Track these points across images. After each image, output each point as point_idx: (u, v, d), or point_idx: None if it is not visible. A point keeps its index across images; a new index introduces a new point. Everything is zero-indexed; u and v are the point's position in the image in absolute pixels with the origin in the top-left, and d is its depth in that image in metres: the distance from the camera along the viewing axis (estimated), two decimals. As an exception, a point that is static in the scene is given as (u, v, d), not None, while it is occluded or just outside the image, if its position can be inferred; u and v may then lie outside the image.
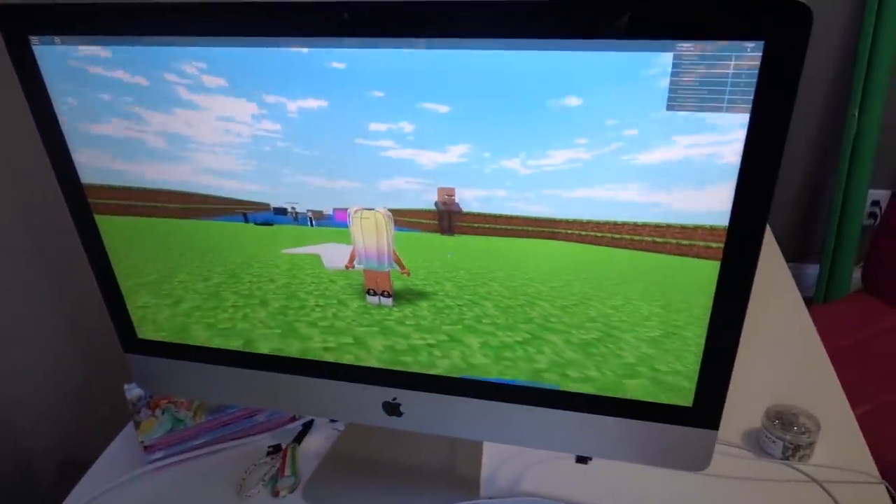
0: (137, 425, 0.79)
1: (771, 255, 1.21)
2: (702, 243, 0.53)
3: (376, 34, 0.51)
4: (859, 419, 0.81)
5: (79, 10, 0.55)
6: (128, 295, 0.70)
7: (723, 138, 0.48)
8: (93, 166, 0.63)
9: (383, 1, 0.50)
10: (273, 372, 0.70)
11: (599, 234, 0.55)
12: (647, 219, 0.54)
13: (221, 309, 0.67)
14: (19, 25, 0.57)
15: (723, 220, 0.52)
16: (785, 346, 0.96)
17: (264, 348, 0.68)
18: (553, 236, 0.56)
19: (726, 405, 0.84)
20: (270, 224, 0.62)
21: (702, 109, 0.48)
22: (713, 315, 0.56)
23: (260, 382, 0.71)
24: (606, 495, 0.73)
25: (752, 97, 0.46)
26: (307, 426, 0.85)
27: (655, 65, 0.47)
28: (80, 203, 0.66)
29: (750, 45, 0.45)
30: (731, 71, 0.46)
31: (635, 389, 0.61)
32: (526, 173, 0.54)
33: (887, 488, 0.72)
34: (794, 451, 0.75)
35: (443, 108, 0.53)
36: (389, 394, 0.68)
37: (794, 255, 2.41)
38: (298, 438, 0.83)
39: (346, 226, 0.60)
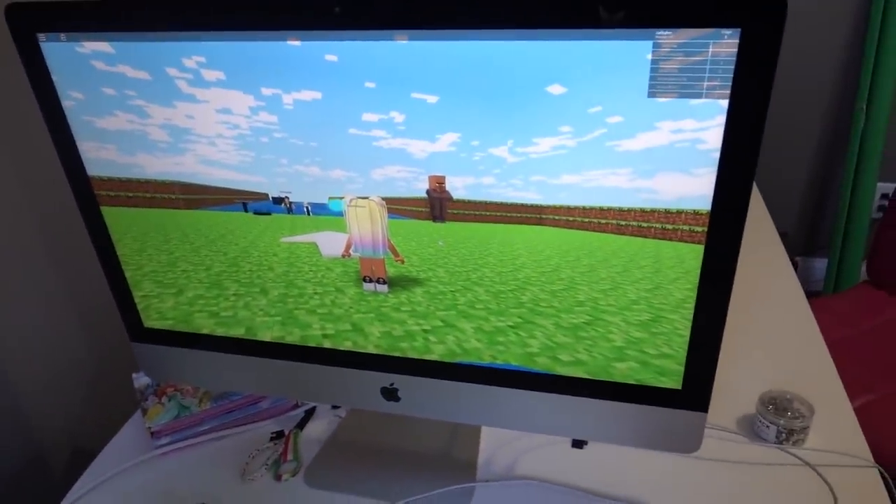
0: (144, 412, 0.82)
1: (773, 249, 1.22)
2: (686, 227, 0.54)
3: (367, 26, 0.52)
4: (858, 410, 0.82)
5: (83, 6, 0.57)
6: (133, 285, 0.72)
7: (704, 124, 0.50)
8: (98, 159, 0.66)
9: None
10: (274, 359, 0.72)
11: (586, 220, 0.57)
12: (633, 204, 0.55)
13: (223, 297, 0.70)
14: (27, 23, 0.59)
15: (705, 204, 0.53)
16: (783, 336, 0.96)
17: (266, 336, 0.71)
18: (541, 222, 0.57)
19: (722, 392, 0.85)
20: (268, 213, 0.64)
21: (682, 96, 0.49)
22: (699, 298, 0.57)
23: (262, 369, 0.73)
24: (602, 480, 0.74)
25: (730, 83, 0.48)
26: (309, 413, 0.87)
27: (636, 53, 0.48)
28: (87, 195, 0.68)
29: (727, 32, 0.46)
30: (709, 58, 0.47)
31: (625, 373, 0.62)
32: (513, 161, 0.55)
33: (881, 472, 0.73)
34: (788, 436, 0.76)
35: (432, 98, 0.54)
36: (387, 379, 0.70)
37: (803, 248, 2.40)
38: (301, 425, 0.85)
39: (341, 214, 0.62)
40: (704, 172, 0.52)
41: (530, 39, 0.50)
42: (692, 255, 0.55)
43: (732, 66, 0.47)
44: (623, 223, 0.56)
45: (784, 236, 2.24)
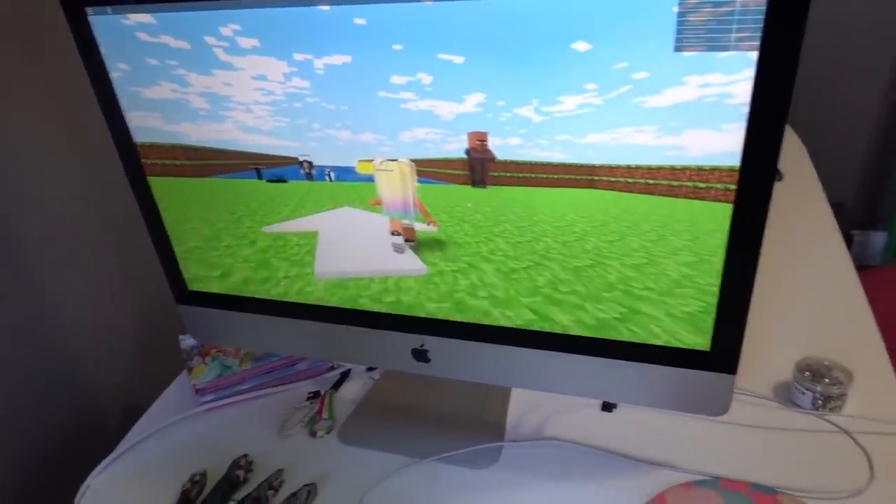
0: (190, 371, 0.86)
1: (823, 218, 1.18)
2: (718, 185, 0.54)
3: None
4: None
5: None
6: (181, 258, 0.75)
7: (732, 77, 0.49)
8: (145, 127, 0.68)
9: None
10: (309, 320, 0.74)
11: (613, 179, 0.56)
12: (661, 162, 0.54)
13: (273, 280, 0.72)
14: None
15: (734, 160, 0.52)
16: (825, 304, 0.94)
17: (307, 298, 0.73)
18: (593, 184, 0.57)
19: (758, 359, 0.84)
20: (282, 180, 0.65)
21: (710, 49, 0.48)
22: (727, 258, 0.56)
23: (300, 331, 0.76)
24: (631, 443, 0.75)
25: (759, 34, 0.47)
26: (344, 375, 0.89)
27: (662, 5, 0.48)
28: (135, 164, 0.71)
29: (754, -20, 0.45)
30: (737, 8, 0.46)
31: (655, 333, 0.62)
32: (539, 120, 0.55)
33: (921, 441, 0.71)
34: (825, 403, 0.75)
35: (458, 59, 0.55)
36: (417, 340, 0.71)
37: (862, 222, 2.31)
38: (336, 385, 0.87)
39: (366, 179, 0.63)
40: (733, 128, 0.51)
41: (553, -5, 0.50)
42: (721, 214, 0.54)
43: (762, 17, 0.46)
44: (652, 182, 0.55)
45: (840, 207, 2.16)
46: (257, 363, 0.86)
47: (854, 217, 2.31)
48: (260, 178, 0.66)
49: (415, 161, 0.61)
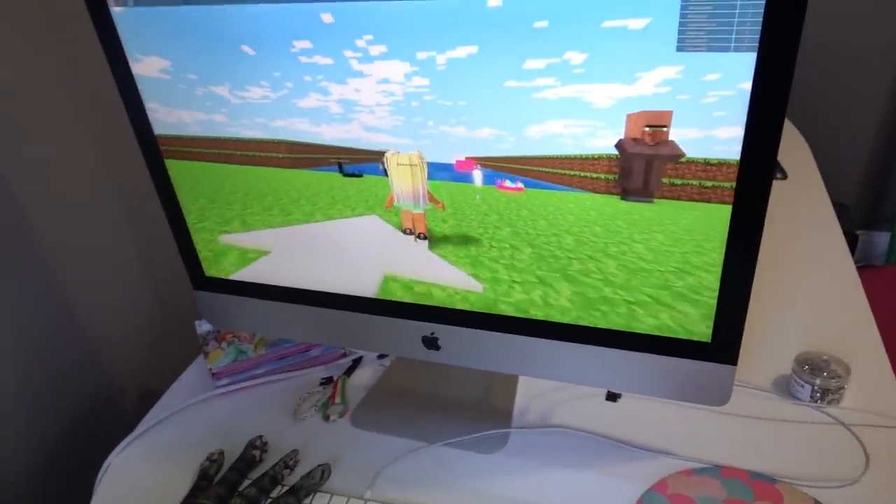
0: (206, 356, 0.89)
1: (825, 218, 1.19)
2: (720, 181, 0.55)
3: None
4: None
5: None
6: (199, 243, 0.78)
7: (732, 77, 0.51)
8: (168, 121, 0.71)
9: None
10: (322, 308, 0.77)
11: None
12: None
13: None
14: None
15: (734, 154, 0.54)
16: (825, 301, 0.96)
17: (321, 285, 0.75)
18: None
19: (758, 353, 0.86)
20: (360, 175, 0.67)
21: (711, 50, 0.50)
22: (727, 250, 0.58)
23: (314, 318, 0.78)
24: (634, 432, 0.77)
25: (758, 35, 0.49)
26: (356, 362, 0.92)
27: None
28: (154, 153, 0.74)
29: (756, -17, 0.47)
30: (737, 11, 0.48)
31: (658, 324, 0.64)
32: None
33: (917, 434, 0.73)
34: (823, 396, 0.77)
35: (638, 23, 0.47)
36: (428, 328, 0.74)
37: (866, 222, 2.32)
38: (348, 372, 0.90)
39: (458, 178, 0.62)
40: (734, 124, 0.53)
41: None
42: (720, 210, 0.56)
43: (760, 18, 0.48)
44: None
45: (844, 208, 2.17)
46: (272, 349, 0.89)
47: (859, 217, 2.32)
48: (341, 171, 0.66)
49: (541, 159, 0.57)
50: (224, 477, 0.73)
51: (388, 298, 0.73)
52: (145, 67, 0.68)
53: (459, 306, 0.71)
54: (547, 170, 0.58)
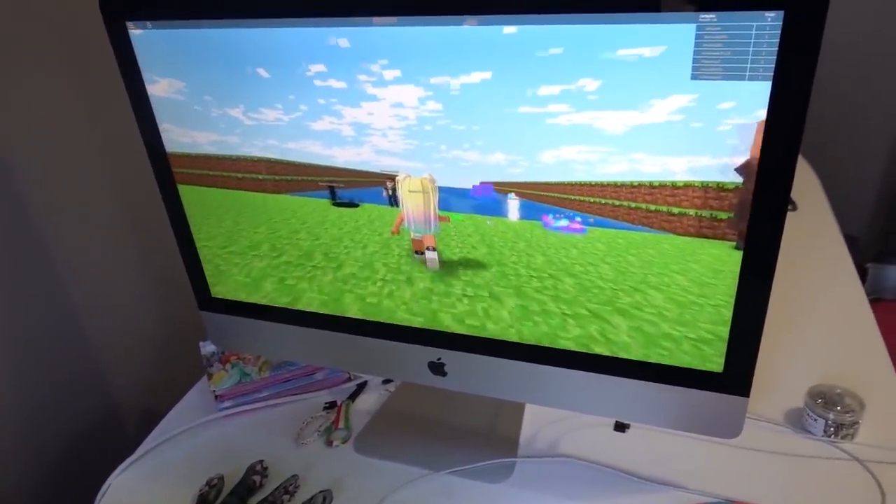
0: (210, 377, 0.88)
1: (837, 250, 1.18)
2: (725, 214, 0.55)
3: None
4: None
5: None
6: (206, 260, 0.78)
7: (745, 107, 0.51)
8: (181, 141, 0.71)
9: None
10: (328, 331, 0.76)
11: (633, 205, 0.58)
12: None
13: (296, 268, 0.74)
14: (117, 11, 0.65)
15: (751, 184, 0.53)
16: (838, 334, 0.95)
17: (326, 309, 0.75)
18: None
19: (771, 386, 0.85)
20: (353, 205, 0.67)
21: (726, 78, 0.50)
22: (741, 281, 0.57)
23: (319, 341, 0.78)
24: (643, 464, 0.75)
25: (773, 66, 0.49)
26: (361, 386, 0.91)
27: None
28: (166, 175, 0.74)
29: (770, 14, 0.47)
30: (752, 41, 0.48)
31: (668, 355, 0.63)
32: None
33: (933, 472, 0.71)
34: (837, 430, 0.75)
35: (650, 51, 0.48)
36: (434, 354, 0.73)
37: (876, 255, 2.30)
38: (353, 396, 0.89)
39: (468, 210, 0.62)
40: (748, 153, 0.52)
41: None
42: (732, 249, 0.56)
43: (775, 49, 0.48)
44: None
45: (854, 240, 2.16)
46: (276, 372, 0.88)
47: (868, 250, 2.30)
48: (333, 199, 0.67)
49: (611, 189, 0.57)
50: (223, 502, 0.71)
51: (396, 322, 0.73)
52: (161, 88, 0.68)
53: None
54: (607, 201, 0.58)
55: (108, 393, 1.10)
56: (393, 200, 0.66)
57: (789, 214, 1.32)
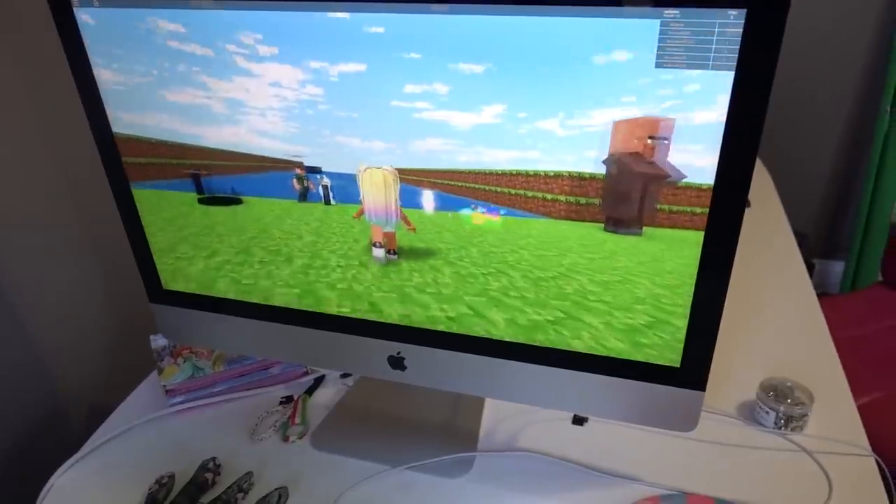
0: (160, 371, 0.85)
1: (787, 246, 1.22)
2: (691, 207, 0.55)
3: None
4: (862, 407, 0.82)
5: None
6: (157, 250, 0.75)
7: (706, 101, 0.51)
8: (127, 122, 0.68)
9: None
10: (287, 325, 0.74)
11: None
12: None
13: (248, 265, 0.72)
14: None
15: (708, 179, 0.54)
16: (788, 329, 0.97)
17: (281, 303, 0.73)
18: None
19: (724, 379, 0.87)
20: (236, 200, 0.66)
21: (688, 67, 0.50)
22: (699, 278, 0.58)
23: (275, 335, 0.76)
24: (600, 457, 0.76)
25: (735, 63, 0.49)
26: (318, 380, 0.89)
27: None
28: (116, 165, 0.71)
29: (733, 13, 0.47)
30: (714, 38, 0.49)
31: (627, 349, 0.64)
32: (564, 134, 0.56)
33: (877, 461, 0.74)
34: (787, 422, 0.77)
35: (477, 69, 0.55)
36: (394, 348, 0.72)
37: (822, 251, 2.38)
38: (310, 391, 0.87)
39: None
40: (708, 148, 0.53)
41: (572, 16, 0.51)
42: (692, 236, 0.56)
43: (737, 47, 0.48)
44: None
45: (802, 237, 2.23)
46: (230, 366, 0.86)
47: (815, 246, 2.38)
48: (200, 191, 0.65)
49: (478, 174, 0.59)
50: (174, 502, 0.69)
51: (353, 316, 0.71)
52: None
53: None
54: (508, 190, 0.60)
55: (51, 388, 1.05)
56: (304, 195, 0.64)
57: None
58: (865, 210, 2.09)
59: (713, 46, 0.49)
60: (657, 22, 0.49)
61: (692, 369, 0.63)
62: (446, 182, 0.61)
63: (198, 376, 0.84)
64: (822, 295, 1.06)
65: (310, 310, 0.72)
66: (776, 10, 0.46)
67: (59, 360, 1.06)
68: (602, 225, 0.58)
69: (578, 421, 0.81)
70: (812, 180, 2.27)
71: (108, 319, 1.16)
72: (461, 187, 0.61)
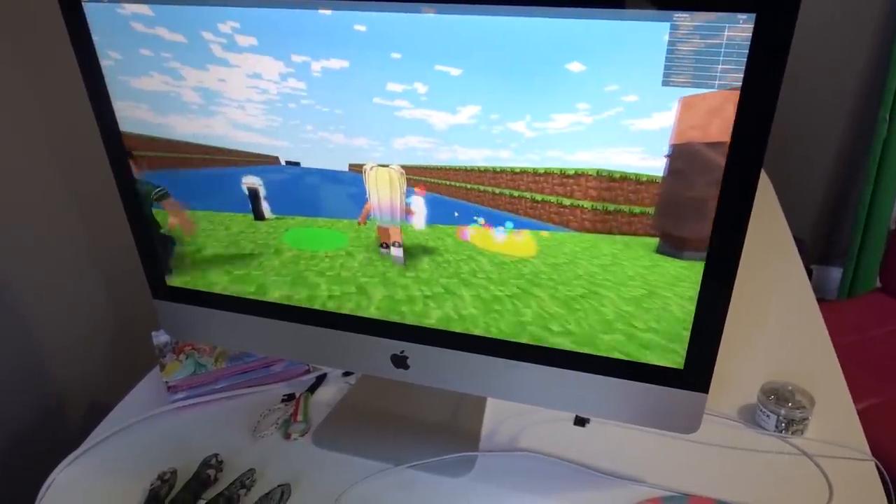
0: (162, 367, 0.85)
1: (787, 252, 1.22)
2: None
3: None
4: (862, 412, 0.82)
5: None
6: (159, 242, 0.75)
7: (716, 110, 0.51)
8: (132, 118, 0.68)
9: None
10: (289, 322, 0.74)
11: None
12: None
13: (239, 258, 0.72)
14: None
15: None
16: (789, 333, 0.97)
17: (276, 296, 0.73)
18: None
19: (725, 383, 0.87)
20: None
21: (695, 86, 0.51)
22: (703, 281, 0.58)
23: (278, 332, 0.76)
24: (602, 458, 0.76)
25: (743, 69, 0.49)
26: (320, 379, 0.89)
27: (654, 34, 0.50)
28: (120, 156, 0.71)
29: (742, 16, 0.48)
30: (724, 42, 0.49)
31: (631, 350, 0.64)
32: (531, 135, 0.57)
33: (877, 465, 0.74)
34: (788, 426, 0.77)
35: (455, 71, 0.56)
36: (398, 346, 0.72)
37: (820, 257, 2.39)
38: (312, 389, 0.87)
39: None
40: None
41: (552, 17, 0.52)
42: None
43: (746, 52, 0.49)
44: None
45: (801, 243, 2.24)
46: (232, 363, 0.86)
47: (813, 252, 2.39)
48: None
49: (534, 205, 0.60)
50: (176, 498, 0.69)
51: (358, 314, 0.71)
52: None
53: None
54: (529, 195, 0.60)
55: (52, 385, 1.05)
56: (259, 212, 0.64)
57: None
58: (864, 217, 2.09)
59: (720, 59, 0.49)
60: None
61: (696, 372, 0.63)
62: (448, 183, 0.61)
63: (200, 373, 0.84)
64: (820, 301, 1.06)
65: (312, 308, 0.72)
66: (786, 14, 0.47)
67: (59, 357, 1.06)
68: (655, 242, 0.58)
69: (580, 422, 0.81)
70: (810, 187, 2.28)
71: (109, 316, 1.16)
72: (474, 192, 0.61)
